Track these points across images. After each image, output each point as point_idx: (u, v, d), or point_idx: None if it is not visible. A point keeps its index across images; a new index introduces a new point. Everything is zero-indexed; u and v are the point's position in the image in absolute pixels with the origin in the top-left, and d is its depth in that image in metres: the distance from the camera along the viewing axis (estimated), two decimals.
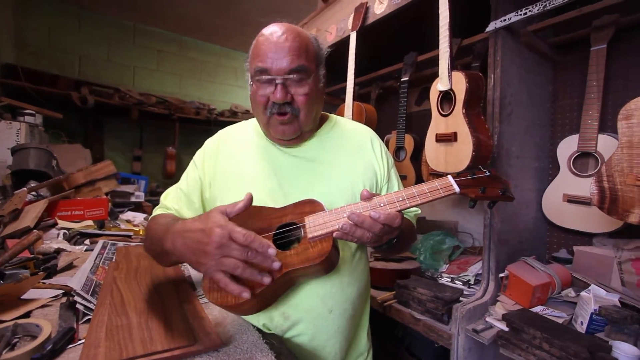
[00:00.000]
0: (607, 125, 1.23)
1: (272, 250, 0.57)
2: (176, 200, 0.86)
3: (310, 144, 0.84)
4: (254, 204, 0.76)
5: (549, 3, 1.01)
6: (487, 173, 0.66)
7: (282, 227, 0.69)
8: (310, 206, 0.69)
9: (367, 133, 0.91)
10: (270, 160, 0.82)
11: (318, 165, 0.82)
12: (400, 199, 0.64)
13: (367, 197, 0.66)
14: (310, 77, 0.74)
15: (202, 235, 0.58)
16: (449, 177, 0.65)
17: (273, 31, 0.73)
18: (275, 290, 0.65)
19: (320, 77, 0.79)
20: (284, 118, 0.74)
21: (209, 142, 0.90)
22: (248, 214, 0.73)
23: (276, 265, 0.59)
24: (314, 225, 0.65)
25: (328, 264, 0.64)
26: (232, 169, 0.83)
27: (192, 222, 0.62)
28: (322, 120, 0.89)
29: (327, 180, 0.80)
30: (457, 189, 0.63)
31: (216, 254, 0.56)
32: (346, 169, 0.83)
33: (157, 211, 0.87)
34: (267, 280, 0.59)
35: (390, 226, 0.63)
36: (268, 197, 0.78)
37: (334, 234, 0.63)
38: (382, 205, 0.64)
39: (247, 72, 0.79)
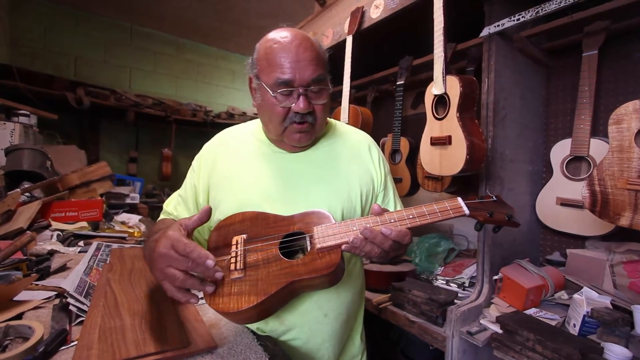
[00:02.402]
0: (599, 129, 1.25)
1: (210, 262, 0.57)
2: (175, 206, 0.88)
3: (313, 149, 0.84)
4: (251, 209, 0.76)
5: (542, 9, 1.03)
6: (494, 198, 0.68)
7: (290, 235, 0.69)
8: (318, 216, 0.69)
9: (365, 139, 0.91)
10: (269, 163, 0.82)
11: (316, 169, 0.82)
12: (411, 217, 0.64)
13: (378, 212, 0.65)
14: (327, 86, 0.76)
15: (155, 244, 0.61)
16: (459, 199, 0.66)
17: (288, 38, 0.71)
18: (278, 300, 0.64)
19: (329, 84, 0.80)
20: (302, 127, 0.74)
21: (206, 147, 0.90)
22: (251, 219, 0.73)
23: (218, 275, 0.59)
24: (323, 236, 0.65)
25: (334, 277, 0.64)
26: (230, 172, 0.82)
27: (159, 233, 0.65)
28: None
29: (324, 184, 0.80)
30: (466, 211, 0.65)
31: (161, 263, 0.58)
32: (344, 174, 0.82)
33: (160, 217, 0.90)
34: (209, 289, 0.60)
35: (400, 243, 0.63)
36: (264, 200, 0.77)
37: (343, 247, 0.63)
38: (392, 221, 0.64)
39: (253, 78, 0.77)
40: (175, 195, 0.92)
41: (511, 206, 0.68)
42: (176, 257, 0.57)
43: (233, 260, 0.66)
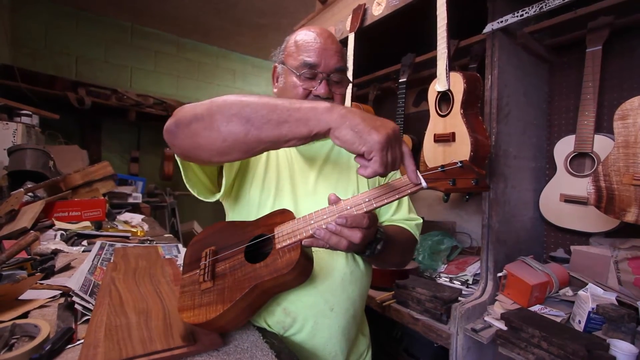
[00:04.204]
0: (603, 125, 1.25)
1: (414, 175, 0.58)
2: None
3: (322, 143, 0.87)
4: (271, 197, 0.78)
5: (545, 5, 1.02)
6: (459, 164, 0.61)
7: (254, 239, 0.69)
8: (281, 216, 0.68)
9: None
10: (285, 156, 0.84)
11: (327, 165, 0.85)
12: (367, 200, 0.62)
13: (334, 200, 0.64)
14: (347, 79, 0.81)
15: (383, 121, 0.56)
16: (417, 172, 0.62)
17: (318, 31, 0.79)
18: (248, 305, 0.64)
19: None
20: None
21: None
22: (221, 230, 0.74)
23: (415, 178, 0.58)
24: (282, 235, 0.64)
25: (298, 273, 0.63)
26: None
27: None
28: None
29: (334, 180, 0.83)
30: (424, 183, 0.60)
31: (388, 136, 0.53)
32: (353, 170, 0.85)
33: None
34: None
35: (361, 228, 0.60)
36: (274, 190, 0.80)
37: (304, 242, 0.62)
38: (348, 208, 0.62)
39: (279, 65, 0.82)
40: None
41: (480, 170, 0.63)
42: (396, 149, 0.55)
43: (201, 272, 0.67)
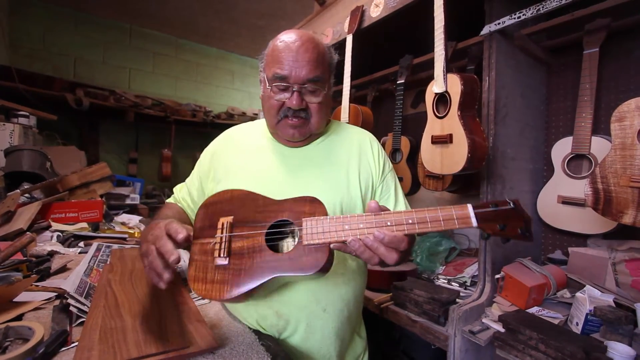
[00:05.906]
0: (600, 127, 1.25)
1: (167, 276, 0.59)
2: (180, 191, 0.98)
3: (313, 145, 0.87)
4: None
5: (543, 7, 1.03)
6: (511, 205, 0.56)
7: (279, 222, 0.67)
8: (311, 206, 0.65)
9: (366, 136, 0.93)
10: (273, 159, 0.84)
11: (315, 165, 0.84)
12: (410, 222, 0.58)
13: (375, 209, 0.60)
14: (325, 87, 0.79)
15: (148, 231, 0.67)
16: (469, 207, 0.57)
17: (293, 39, 0.76)
18: (262, 289, 0.63)
19: (331, 85, 0.84)
20: (295, 122, 0.78)
21: (215, 141, 0.95)
22: (240, 199, 0.71)
23: (166, 277, 0.59)
24: (312, 232, 0.61)
25: (320, 274, 0.62)
26: (235, 165, 0.85)
27: (155, 225, 0.68)
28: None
29: (323, 179, 0.82)
30: (474, 222, 0.56)
31: (145, 252, 0.63)
32: (343, 168, 0.85)
33: (169, 200, 1.00)
34: (161, 285, 0.60)
35: (398, 250, 0.59)
36: (265, 194, 0.78)
37: (333, 246, 0.60)
38: (388, 224, 0.58)
39: (261, 72, 0.83)
40: (185, 183, 0.99)
41: (529, 215, 0.57)
42: (152, 254, 0.61)
43: (217, 245, 0.65)
